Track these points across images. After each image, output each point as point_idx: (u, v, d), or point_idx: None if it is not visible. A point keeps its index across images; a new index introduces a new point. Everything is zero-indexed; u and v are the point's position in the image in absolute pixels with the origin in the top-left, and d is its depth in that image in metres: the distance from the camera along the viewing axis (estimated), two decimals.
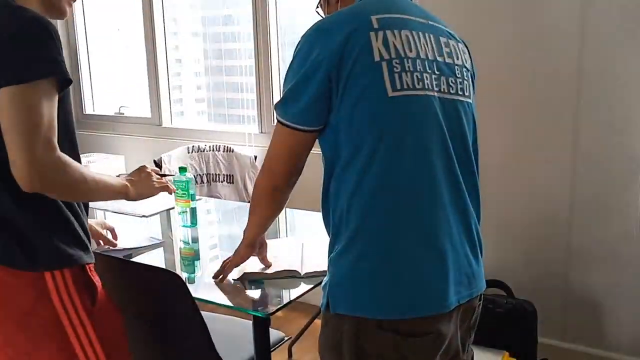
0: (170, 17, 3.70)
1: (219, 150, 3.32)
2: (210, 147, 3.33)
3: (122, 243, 2.01)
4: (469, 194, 1.33)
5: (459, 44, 1.40)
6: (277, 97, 3.35)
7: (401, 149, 1.22)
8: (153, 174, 1.83)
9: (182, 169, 2.31)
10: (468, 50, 1.44)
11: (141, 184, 1.76)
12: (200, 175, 3.30)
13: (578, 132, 2.49)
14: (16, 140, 1.25)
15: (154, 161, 3.21)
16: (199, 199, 2.59)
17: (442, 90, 1.29)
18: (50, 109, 1.28)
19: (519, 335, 2.36)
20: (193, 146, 3.32)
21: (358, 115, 1.22)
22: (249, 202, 3.18)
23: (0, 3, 1.32)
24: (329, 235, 1.35)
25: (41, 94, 1.26)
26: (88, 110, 4.14)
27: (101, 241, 1.98)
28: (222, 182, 3.31)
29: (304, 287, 1.72)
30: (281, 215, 2.61)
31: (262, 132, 3.40)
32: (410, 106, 1.24)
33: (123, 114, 4.01)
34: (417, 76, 1.25)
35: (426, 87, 1.26)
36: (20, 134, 1.25)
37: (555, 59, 2.49)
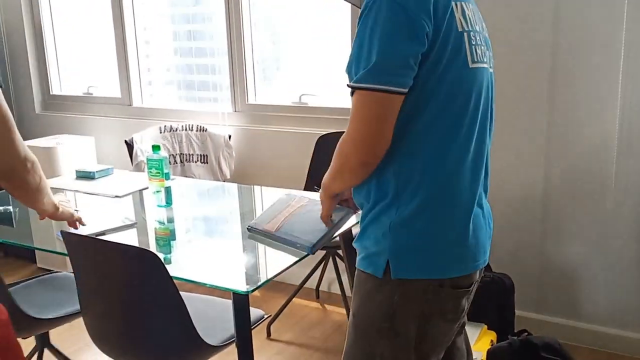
0: None
1: (192, 130, 3.26)
2: (183, 126, 3.26)
3: (94, 225, 1.96)
4: (487, 164, 1.42)
5: (476, 8, 1.40)
6: (250, 76, 3.30)
7: (464, 114, 1.28)
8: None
9: (156, 147, 2.25)
10: None
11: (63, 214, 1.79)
12: (173, 155, 3.23)
13: (552, 112, 2.50)
14: None
15: (126, 141, 3.13)
16: (173, 179, 2.54)
17: (488, 62, 1.37)
18: None
19: (497, 309, 2.38)
20: (165, 126, 3.25)
21: (444, 80, 1.23)
22: (224, 181, 3.17)
23: None
24: (368, 197, 1.34)
25: None
26: (55, 90, 4.02)
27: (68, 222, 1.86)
28: (195, 162, 3.25)
29: (282, 265, 1.70)
30: (257, 195, 2.58)
31: (236, 111, 3.34)
32: (480, 78, 1.31)
33: (92, 94, 3.91)
34: (482, 49, 1.33)
35: (484, 60, 1.34)
36: None
37: (530, 48, 2.49)
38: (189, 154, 3.25)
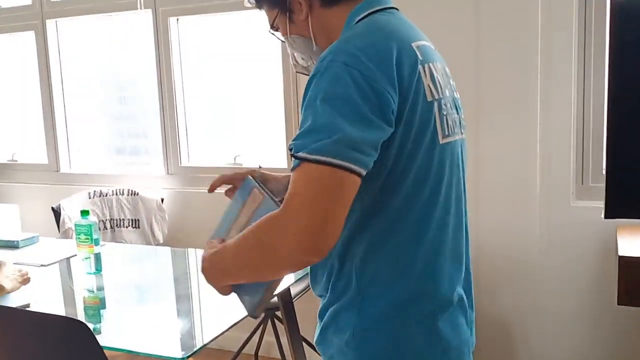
0: (65, 58, 3.55)
1: (123, 194, 3.19)
2: (113, 191, 3.18)
3: (18, 296, 1.86)
4: (465, 237, 1.21)
5: (446, 67, 1.19)
6: (183, 138, 3.28)
7: (437, 200, 1.08)
8: (10, 269, 1.94)
9: (84, 212, 2.18)
10: None
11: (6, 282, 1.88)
12: (103, 221, 3.14)
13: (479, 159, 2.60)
14: None
15: (52, 208, 3.02)
16: (103, 245, 2.45)
17: (459, 131, 1.16)
18: None
19: None
20: (95, 191, 3.16)
21: (411, 166, 1.04)
22: (156, 245, 3.08)
23: None
24: (326, 288, 1.12)
25: None
26: None
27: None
28: (127, 227, 3.16)
29: (218, 329, 1.65)
30: (191, 257, 2.52)
31: (168, 174, 3.30)
32: (452, 155, 1.11)
33: (16, 160, 3.77)
34: (452, 118, 1.12)
35: (455, 131, 1.13)
36: None
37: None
38: (120, 219, 3.16)
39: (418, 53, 1.06)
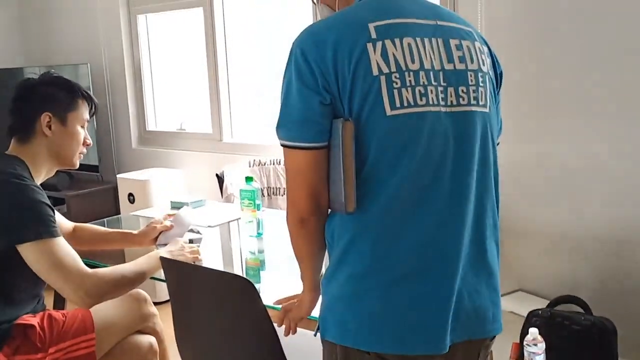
0: (230, 35, 3.75)
1: (280, 164, 3.32)
2: (271, 160, 3.33)
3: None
4: (486, 216, 1.23)
5: (475, 42, 1.25)
6: None
7: (399, 171, 1.14)
8: (185, 246, 2.07)
9: (249, 179, 2.31)
10: (489, 48, 1.32)
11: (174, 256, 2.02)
12: (261, 188, 3.30)
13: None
14: (54, 280, 1.70)
15: (216, 175, 3.23)
16: (263, 211, 2.59)
17: (450, 103, 1.18)
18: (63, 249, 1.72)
19: (598, 355, 2.23)
20: (254, 160, 3.33)
21: (358, 134, 1.14)
22: None
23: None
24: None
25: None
26: (151, 126, 4.24)
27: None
28: (282, 195, 3.30)
29: None
30: None
31: None
32: (411, 125, 1.14)
33: (184, 130, 4.08)
34: (419, 91, 1.15)
35: (430, 102, 1.16)
36: (56, 276, 1.69)
37: None
38: (276, 188, 3.31)
39: (373, 32, 1.14)
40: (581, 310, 2.36)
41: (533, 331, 1.94)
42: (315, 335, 1.29)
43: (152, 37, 4.17)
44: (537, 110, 2.49)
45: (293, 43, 1.20)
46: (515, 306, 2.41)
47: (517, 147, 2.51)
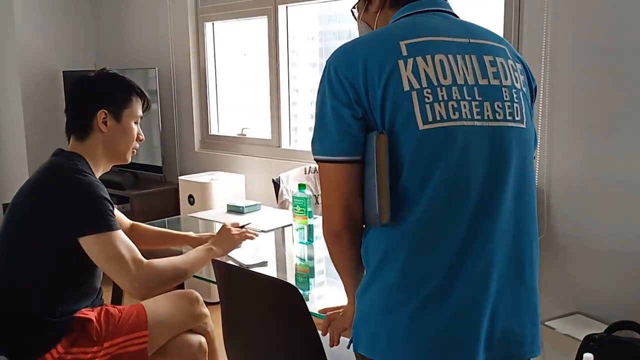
0: (291, 48, 3.81)
1: None
2: None
3: (243, 256, 2.12)
4: (525, 232, 1.22)
5: (508, 60, 1.26)
6: None
7: (432, 185, 1.14)
8: (232, 228, 2.16)
9: (302, 186, 2.34)
10: (523, 64, 1.32)
11: (223, 241, 2.12)
12: (315, 195, 3.32)
13: None
14: (112, 271, 1.79)
15: (273, 180, 3.28)
16: (315, 218, 2.61)
17: (486, 117, 1.18)
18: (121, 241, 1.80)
19: None
20: (310, 167, 3.36)
21: (391, 148, 1.15)
22: None
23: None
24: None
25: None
26: (213, 131, 4.35)
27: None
28: None
29: None
30: None
31: None
32: (444, 138, 1.15)
33: (245, 135, 4.17)
34: (452, 105, 1.16)
35: (464, 116, 1.16)
36: (114, 267, 1.78)
37: None
38: None
39: (404, 50, 1.17)
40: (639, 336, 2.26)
41: (588, 356, 1.87)
42: (348, 347, 1.30)
43: (217, 44, 4.28)
44: (607, 127, 2.40)
45: (327, 60, 1.24)
46: (571, 329, 2.33)
47: (586, 164, 2.43)
